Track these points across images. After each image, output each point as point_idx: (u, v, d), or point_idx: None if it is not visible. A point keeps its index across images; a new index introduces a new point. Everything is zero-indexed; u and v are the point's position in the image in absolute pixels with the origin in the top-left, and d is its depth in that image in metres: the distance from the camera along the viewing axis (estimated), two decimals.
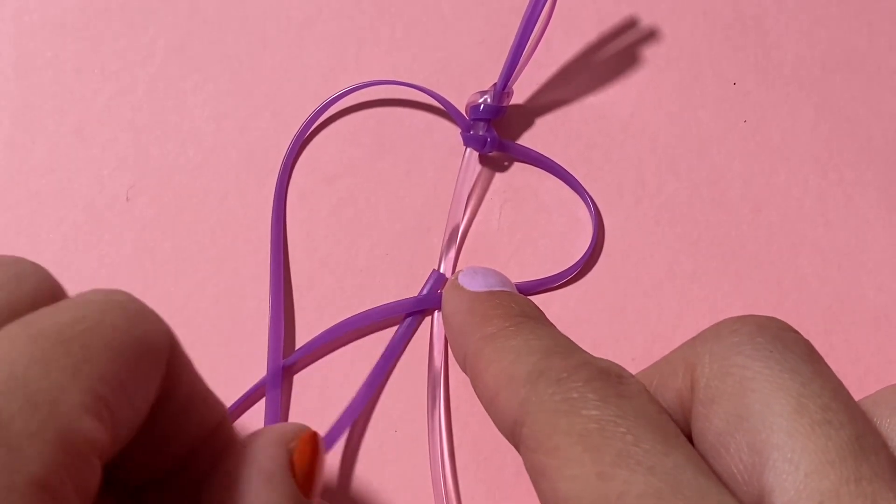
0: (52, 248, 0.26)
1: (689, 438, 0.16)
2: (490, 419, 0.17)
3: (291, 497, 0.16)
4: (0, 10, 0.29)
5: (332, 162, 0.28)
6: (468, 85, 0.28)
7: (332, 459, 0.24)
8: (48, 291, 0.14)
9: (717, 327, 0.16)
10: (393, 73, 0.29)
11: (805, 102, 0.29)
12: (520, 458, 0.16)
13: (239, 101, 0.28)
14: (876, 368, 0.26)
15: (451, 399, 0.25)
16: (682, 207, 0.27)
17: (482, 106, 0.27)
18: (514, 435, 0.16)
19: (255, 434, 0.17)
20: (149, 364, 0.14)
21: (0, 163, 0.27)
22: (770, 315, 0.16)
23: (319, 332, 0.25)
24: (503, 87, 0.27)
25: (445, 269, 0.26)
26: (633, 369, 0.17)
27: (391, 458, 0.24)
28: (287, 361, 0.25)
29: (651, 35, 0.30)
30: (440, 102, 0.28)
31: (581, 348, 0.17)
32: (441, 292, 0.26)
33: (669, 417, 0.15)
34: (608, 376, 0.15)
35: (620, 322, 0.26)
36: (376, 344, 0.25)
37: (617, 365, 0.16)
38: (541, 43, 0.27)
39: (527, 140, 0.28)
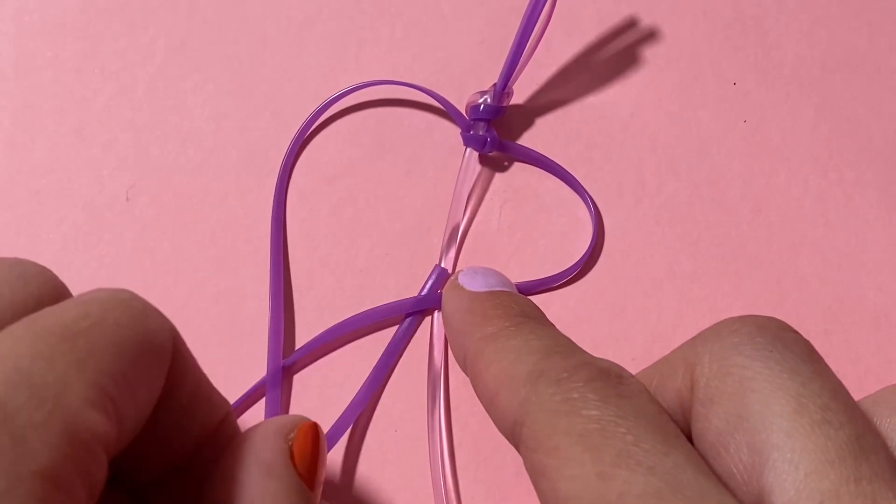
0: (52, 248, 0.26)
1: (689, 438, 0.16)
2: (490, 419, 0.17)
3: (295, 488, 0.16)
4: (0, 10, 0.29)
5: (332, 162, 0.28)
6: (468, 85, 0.28)
7: (332, 459, 0.24)
8: (53, 292, 0.14)
9: (716, 327, 0.16)
10: (393, 73, 0.29)
11: (805, 102, 0.29)
12: (520, 458, 0.16)
13: (239, 101, 0.28)
14: (876, 368, 0.26)
15: (451, 399, 0.25)
16: (682, 207, 0.27)
17: (482, 106, 0.27)
18: (514, 435, 0.16)
19: (253, 427, 0.17)
20: (153, 360, 0.14)
21: (0, 163, 0.27)
22: (770, 315, 0.16)
23: (319, 331, 0.25)
24: (503, 87, 0.27)
25: (446, 268, 0.26)
26: (633, 369, 0.17)
27: (391, 458, 0.24)
28: (287, 361, 0.25)
29: (651, 35, 0.30)
30: (440, 102, 0.28)
31: (581, 348, 0.17)
32: (441, 292, 0.26)
33: (669, 417, 0.15)
34: (608, 376, 0.15)
35: (620, 322, 0.26)
36: (376, 344, 0.26)
37: (617, 365, 0.16)
38: (541, 43, 0.27)
39: (527, 140, 0.28)
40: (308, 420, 0.17)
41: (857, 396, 0.15)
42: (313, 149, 0.28)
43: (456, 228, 0.27)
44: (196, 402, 0.16)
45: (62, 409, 0.12)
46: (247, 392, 0.25)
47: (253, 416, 0.25)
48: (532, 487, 0.15)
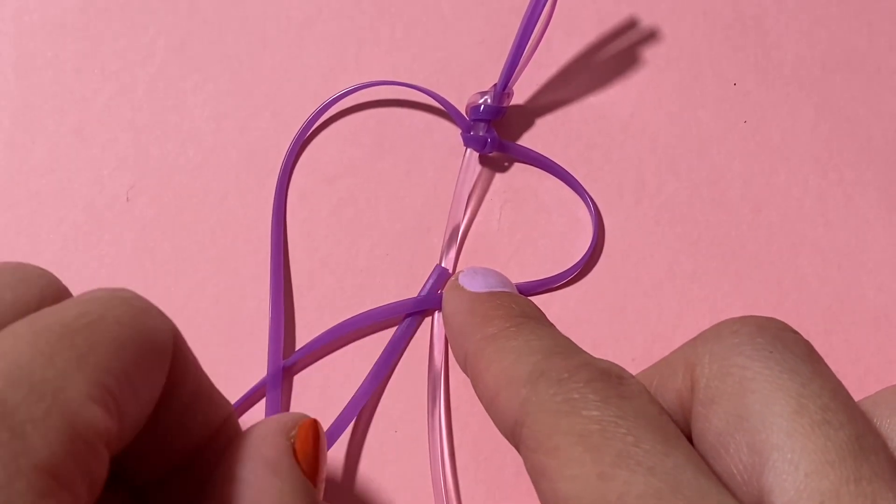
0: (52, 248, 0.26)
1: (689, 439, 0.16)
2: (490, 419, 0.17)
3: (299, 485, 0.16)
4: (0, 10, 0.29)
5: (333, 162, 0.28)
6: (468, 85, 0.28)
7: (332, 459, 0.24)
8: (55, 294, 0.14)
9: (717, 328, 0.16)
10: (393, 73, 0.29)
11: (805, 102, 0.29)
12: (520, 458, 0.16)
13: (239, 101, 0.28)
14: (876, 368, 0.26)
15: (451, 399, 0.25)
16: (682, 207, 0.27)
17: (482, 106, 0.27)
18: (514, 435, 0.16)
19: (254, 426, 0.17)
20: (153, 358, 0.14)
21: (0, 163, 0.27)
22: (770, 315, 0.16)
23: (320, 332, 0.25)
24: (503, 88, 0.27)
25: (446, 268, 0.26)
26: (633, 369, 0.17)
27: (391, 458, 0.24)
28: (287, 362, 0.25)
29: (651, 35, 0.30)
30: (440, 103, 0.28)
31: (581, 349, 0.17)
32: (442, 292, 0.26)
33: (670, 418, 0.15)
34: (609, 377, 0.16)
35: (620, 322, 0.26)
36: (377, 344, 0.26)
37: (617, 366, 0.16)
38: (541, 43, 0.27)
39: (527, 140, 0.28)
40: (309, 417, 0.17)
41: (857, 396, 0.15)
42: (314, 149, 0.28)
43: (456, 229, 0.27)
44: (197, 402, 0.16)
45: (62, 404, 0.12)
46: (247, 392, 0.25)
47: (253, 417, 0.25)
48: (532, 487, 0.15)
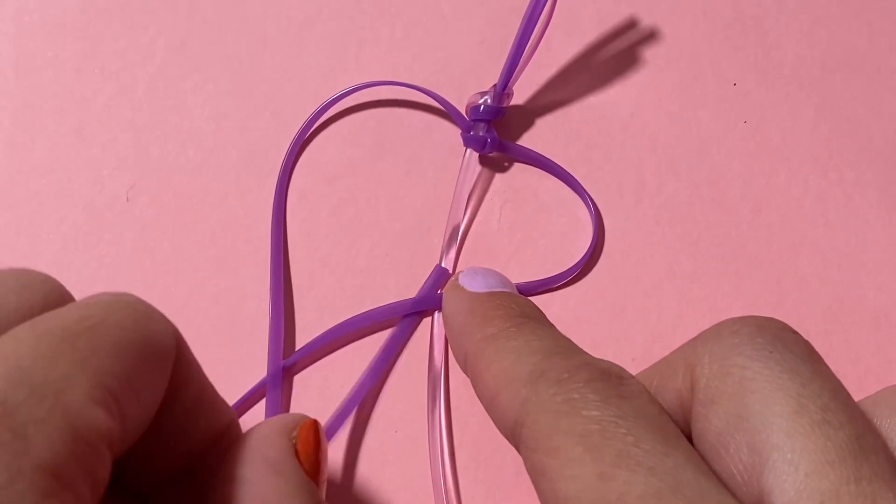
0: (52, 248, 0.26)
1: (689, 439, 0.16)
2: (490, 419, 0.17)
3: (302, 485, 0.16)
4: (0, 10, 0.29)
5: (333, 162, 0.28)
6: (468, 85, 0.28)
7: (332, 459, 0.24)
8: (58, 299, 0.15)
9: (716, 328, 0.16)
10: (393, 73, 0.29)
11: (805, 102, 0.29)
12: (520, 458, 0.16)
13: (239, 101, 0.28)
14: (876, 368, 0.26)
15: (451, 399, 0.25)
16: (682, 207, 0.27)
17: (482, 107, 0.27)
18: (514, 435, 0.16)
19: (255, 428, 0.17)
20: (155, 362, 0.14)
21: (0, 163, 0.27)
22: (770, 315, 0.16)
23: (320, 332, 0.25)
24: (503, 88, 0.27)
25: (446, 268, 0.26)
26: (633, 369, 0.17)
27: (391, 458, 0.24)
28: (287, 362, 0.25)
29: (651, 35, 0.30)
30: (440, 103, 0.28)
31: (582, 349, 0.17)
32: (442, 292, 0.26)
33: (670, 418, 0.15)
34: (609, 377, 0.16)
35: (620, 322, 0.26)
36: (377, 344, 0.26)
37: (617, 366, 0.16)
38: (541, 43, 0.27)
39: (527, 140, 0.28)
40: (309, 417, 0.17)
41: (857, 396, 0.15)
42: (313, 149, 0.28)
43: (456, 229, 0.27)
44: (199, 407, 0.16)
45: (63, 405, 0.12)
46: (247, 393, 0.25)
47: (253, 417, 0.25)
48: (532, 487, 0.15)
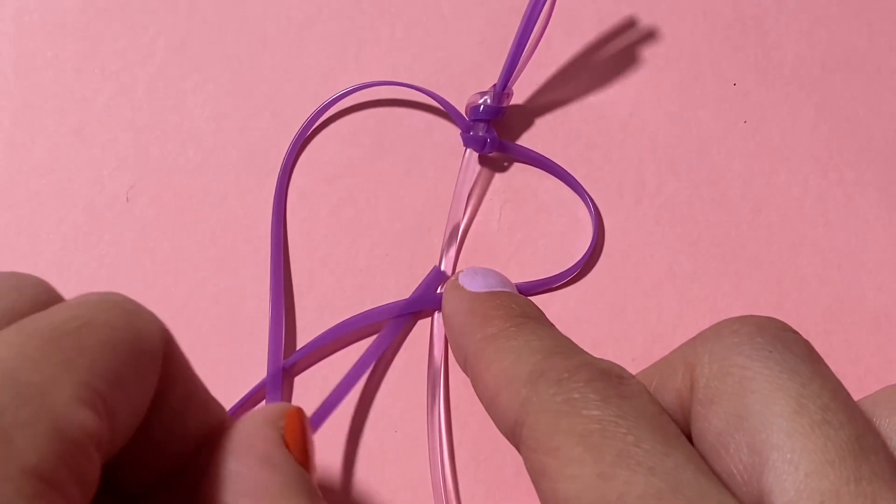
0: (52, 248, 0.26)
1: (689, 439, 0.16)
2: (490, 419, 0.17)
3: (295, 474, 0.16)
4: (0, 10, 0.29)
5: (333, 162, 0.28)
6: (468, 85, 0.28)
7: (332, 459, 0.24)
8: (48, 301, 0.14)
9: (716, 327, 0.16)
10: (393, 73, 0.29)
11: (805, 102, 0.29)
12: (520, 458, 0.16)
13: (239, 101, 0.28)
14: (876, 368, 0.26)
15: (451, 399, 0.25)
16: (682, 207, 0.27)
17: (482, 106, 0.27)
18: (514, 435, 0.16)
19: (240, 421, 0.17)
20: (144, 360, 0.14)
21: (0, 163, 0.27)
22: (770, 315, 0.16)
23: (320, 332, 0.25)
24: (503, 88, 0.27)
25: (445, 269, 0.26)
26: (633, 369, 0.17)
27: (391, 458, 0.24)
28: (287, 362, 0.25)
29: (651, 35, 0.30)
30: (440, 103, 0.28)
31: (582, 349, 0.17)
32: (441, 292, 0.26)
33: (670, 418, 0.15)
34: (609, 377, 0.16)
35: (620, 322, 0.26)
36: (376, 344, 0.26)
37: (618, 366, 0.16)
38: (540, 43, 0.27)
39: (526, 140, 0.28)
40: (293, 406, 0.17)
41: (857, 396, 0.15)
42: (313, 149, 0.28)
43: (456, 229, 0.27)
44: (190, 406, 0.16)
45: (49, 407, 0.12)
46: (247, 394, 0.25)
47: None
48: (532, 487, 0.15)
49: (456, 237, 0.27)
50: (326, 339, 0.25)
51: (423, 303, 0.26)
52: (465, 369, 0.19)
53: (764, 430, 0.14)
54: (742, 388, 0.15)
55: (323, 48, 0.29)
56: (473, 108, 0.27)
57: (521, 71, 0.27)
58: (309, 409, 0.25)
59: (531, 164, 0.28)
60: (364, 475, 0.24)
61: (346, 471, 0.24)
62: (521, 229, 0.27)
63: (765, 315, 0.16)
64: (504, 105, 0.27)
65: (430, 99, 0.28)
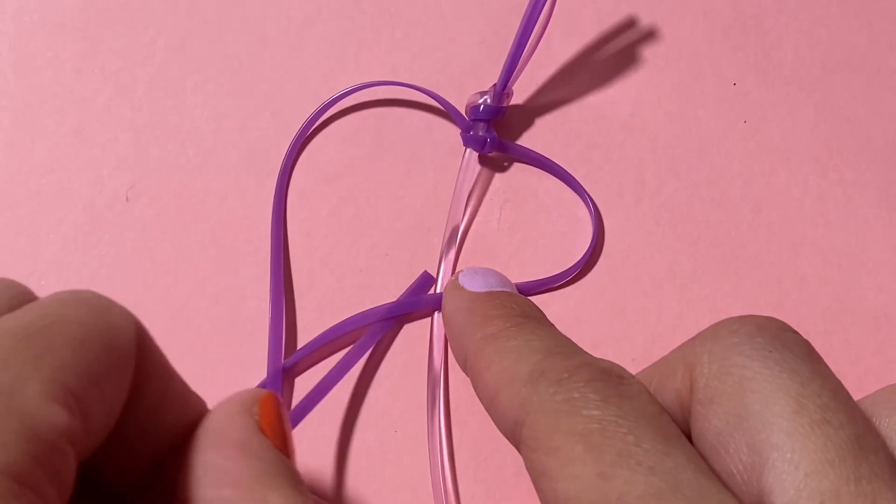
0: (52, 248, 0.26)
1: (689, 439, 0.16)
2: (490, 419, 0.17)
3: (275, 459, 0.15)
4: (0, 10, 0.29)
5: (333, 162, 0.28)
6: (468, 85, 0.28)
7: (332, 459, 0.24)
8: (22, 302, 0.14)
9: (716, 327, 0.16)
10: (393, 73, 0.29)
11: (805, 102, 0.29)
12: (520, 458, 0.16)
13: (239, 101, 0.28)
14: (876, 368, 0.26)
15: (450, 399, 0.25)
16: (682, 207, 0.27)
17: (482, 106, 0.27)
18: (514, 435, 0.16)
19: (214, 411, 0.16)
20: (117, 356, 0.14)
21: (0, 163, 0.27)
22: (770, 315, 0.16)
23: (320, 332, 0.25)
24: (503, 88, 0.27)
25: (445, 269, 0.26)
26: (633, 369, 0.17)
27: (391, 458, 0.24)
28: (287, 362, 0.25)
29: (651, 35, 0.30)
30: (440, 103, 0.28)
31: (582, 349, 0.17)
32: (441, 292, 0.26)
33: (670, 418, 0.15)
34: (609, 377, 0.16)
35: (620, 322, 0.26)
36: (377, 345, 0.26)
37: (618, 366, 0.16)
38: (541, 43, 0.27)
39: (527, 140, 0.28)
40: (266, 391, 0.17)
41: (857, 396, 0.15)
42: (313, 149, 0.28)
43: (456, 229, 0.27)
44: (168, 399, 0.16)
45: (18, 406, 0.12)
46: None
47: None
48: (532, 487, 0.15)
49: (456, 237, 0.27)
50: (326, 338, 0.25)
51: (426, 303, 0.26)
52: (465, 369, 0.19)
53: (764, 430, 0.14)
54: (742, 388, 0.15)
55: (323, 48, 0.29)
56: (473, 108, 0.27)
57: (521, 71, 0.27)
58: (308, 409, 0.25)
59: (531, 164, 0.28)
60: (364, 475, 0.24)
61: (347, 471, 0.24)
62: (521, 229, 0.27)
63: (765, 315, 0.16)
64: (504, 105, 0.27)
65: (430, 99, 0.28)
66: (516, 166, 0.28)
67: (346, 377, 0.25)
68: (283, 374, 0.25)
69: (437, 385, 0.25)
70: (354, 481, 0.24)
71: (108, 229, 0.27)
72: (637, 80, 0.29)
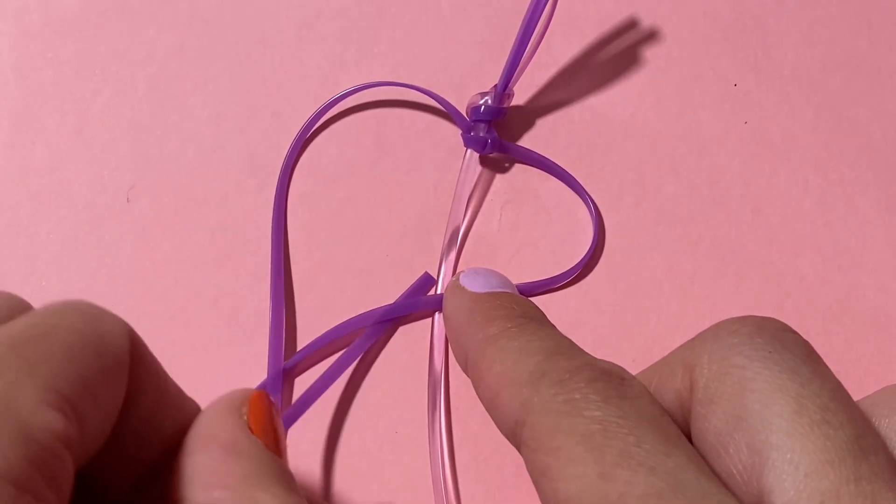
0: (52, 248, 0.26)
1: (689, 439, 0.16)
2: (490, 420, 0.17)
3: (264, 459, 0.15)
4: (0, 10, 0.29)
5: (333, 163, 0.28)
6: (469, 86, 0.28)
7: (332, 460, 0.24)
8: (20, 314, 0.14)
9: (715, 328, 0.16)
10: (393, 74, 0.29)
11: (805, 102, 0.29)
12: (520, 459, 0.16)
13: (239, 102, 0.28)
14: (876, 368, 0.26)
15: (451, 400, 0.25)
16: (683, 208, 0.27)
17: (483, 107, 0.27)
18: (515, 435, 0.16)
19: (203, 413, 0.16)
20: (110, 362, 0.14)
21: (0, 163, 0.27)
22: (770, 315, 0.16)
23: (320, 333, 0.25)
24: (504, 89, 0.27)
25: (446, 270, 0.26)
26: (633, 370, 0.17)
27: (391, 459, 0.24)
28: (288, 364, 0.25)
29: (651, 36, 0.30)
30: (441, 104, 0.28)
31: (583, 350, 0.17)
32: (442, 293, 0.26)
33: (671, 419, 0.15)
34: (610, 377, 0.16)
35: (621, 323, 0.26)
36: (378, 346, 0.26)
37: (619, 366, 0.16)
38: (541, 44, 0.27)
39: (527, 141, 0.28)
40: (255, 390, 0.17)
41: (857, 396, 0.15)
42: (314, 150, 0.28)
43: (456, 230, 0.27)
44: (163, 406, 0.16)
45: (14, 412, 0.12)
46: None
47: None
48: (532, 487, 0.15)
49: (456, 238, 0.27)
50: (327, 340, 0.25)
51: (426, 303, 0.26)
52: (465, 370, 0.19)
53: (764, 430, 0.14)
54: (741, 389, 0.15)
55: (323, 48, 0.29)
56: (474, 109, 0.27)
57: (522, 71, 0.27)
58: (312, 411, 0.25)
59: (532, 165, 0.28)
60: (365, 476, 0.24)
61: (347, 471, 0.24)
62: (522, 230, 0.27)
63: (764, 315, 0.16)
64: (505, 106, 0.27)
65: (430, 99, 0.28)
66: (517, 167, 0.28)
67: (346, 378, 0.25)
68: (283, 375, 0.25)
69: (437, 386, 0.25)
70: (355, 482, 0.24)
71: (108, 229, 0.27)
72: (638, 80, 0.29)
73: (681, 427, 0.16)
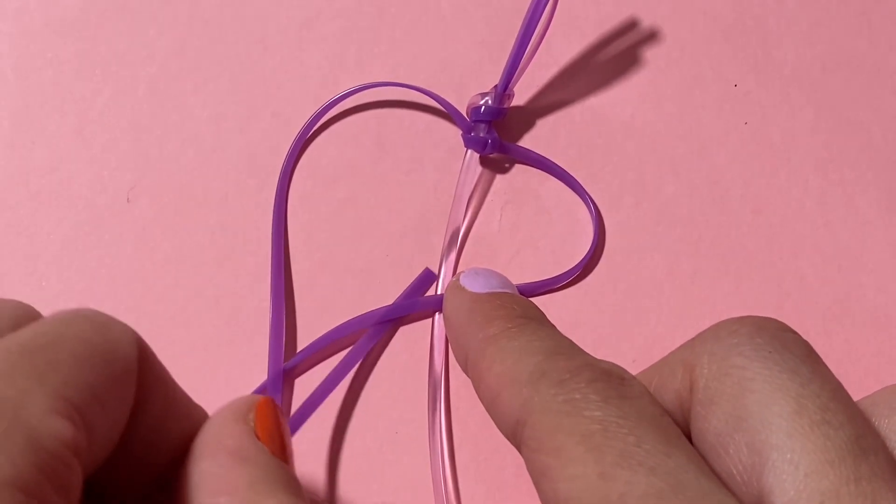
0: (52, 248, 0.26)
1: (689, 439, 0.16)
2: (490, 420, 0.17)
3: (271, 466, 0.15)
4: (0, 10, 0.29)
5: (333, 163, 0.28)
6: (469, 86, 0.28)
7: (332, 460, 0.24)
8: (29, 322, 0.15)
9: (715, 328, 0.16)
10: (393, 74, 0.29)
11: (805, 102, 0.29)
12: (520, 459, 0.16)
13: (239, 102, 0.28)
14: (876, 368, 0.26)
15: (451, 400, 0.25)
16: (683, 208, 0.28)
17: (483, 107, 0.27)
18: (515, 435, 0.16)
19: (209, 420, 0.16)
20: (118, 370, 0.14)
21: (0, 163, 0.27)
22: (770, 316, 0.16)
23: (320, 334, 0.25)
24: (504, 89, 0.27)
25: (446, 270, 0.26)
26: (633, 370, 0.17)
27: (391, 459, 0.24)
28: (288, 365, 0.25)
29: (652, 36, 0.30)
30: (441, 104, 0.28)
31: (583, 350, 0.17)
32: (442, 293, 0.26)
33: (671, 419, 0.15)
34: (610, 378, 0.16)
35: (621, 323, 0.26)
36: (378, 346, 0.26)
37: (619, 367, 0.16)
38: (542, 44, 0.27)
39: (528, 141, 0.28)
40: (262, 397, 0.17)
41: (856, 396, 0.15)
42: (314, 150, 0.28)
43: (457, 230, 0.27)
44: (171, 414, 0.16)
45: (23, 420, 0.12)
46: None
47: None
48: (532, 487, 0.15)
49: (457, 238, 0.27)
50: (327, 340, 0.25)
51: (424, 304, 0.26)
52: (466, 370, 0.19)
53: (764, 431, 0.14)
54: (741, 389, 0.15)
55: (323, 48, 0.29)
56: (474, 109, 0.27)
57: (522, 72, 0.27)
58: (309, 413, 0.25)
59: (532, 166, 0.28)
60: (365, 476, 0.24)
61: (348, 472, 0.24)
62: (522, 230, 0.27)
63: (764, 315, 0.16)
64: (505, 106, 0.27)
65: (430, 100, 0.28)
66: (517, 167, 0.28)
67: (346, 379, 0.25)
68: (283, 375, 0.25)
69: (437, 386, 0.25)
70: (355, 482, 0.24)
71: (108, 229, 0.27)
72: (638, 81, 0.29)
73: (681, 427, 0.16)
